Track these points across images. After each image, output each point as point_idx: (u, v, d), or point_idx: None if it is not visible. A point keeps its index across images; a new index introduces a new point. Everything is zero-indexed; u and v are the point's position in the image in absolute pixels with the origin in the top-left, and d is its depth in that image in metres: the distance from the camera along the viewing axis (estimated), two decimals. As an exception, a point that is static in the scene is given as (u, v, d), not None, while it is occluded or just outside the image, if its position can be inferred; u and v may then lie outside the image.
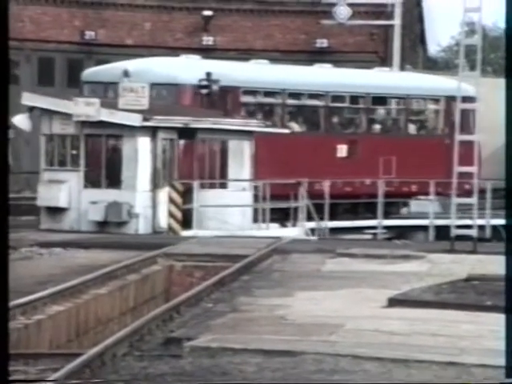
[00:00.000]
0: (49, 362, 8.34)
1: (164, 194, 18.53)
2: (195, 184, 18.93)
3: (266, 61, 23.34)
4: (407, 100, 23.92)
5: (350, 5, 28.24)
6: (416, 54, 35.05)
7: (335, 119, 23.08)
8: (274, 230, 19.92)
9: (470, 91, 24.49)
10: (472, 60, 18.74)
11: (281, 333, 9.26)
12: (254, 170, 19.85)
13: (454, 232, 16.65)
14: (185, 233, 18.48)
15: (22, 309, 10.19)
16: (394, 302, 10.85)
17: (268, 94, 21.94)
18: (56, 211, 18.67)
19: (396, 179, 22.34)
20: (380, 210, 21.45)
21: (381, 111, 23.71)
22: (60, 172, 18.78)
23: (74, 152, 18.72)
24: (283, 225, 20.33)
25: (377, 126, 23.67)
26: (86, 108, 18.39)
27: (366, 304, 10.93)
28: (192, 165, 19.02)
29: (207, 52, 27.35)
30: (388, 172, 23.02)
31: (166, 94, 20.30)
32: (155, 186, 18.49)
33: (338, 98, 22.89)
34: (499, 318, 9.99)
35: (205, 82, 20.35)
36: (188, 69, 21.57)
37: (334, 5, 28.33)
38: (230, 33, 29.56)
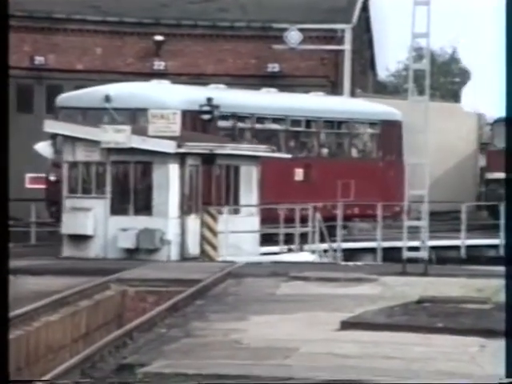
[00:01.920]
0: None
1: (192, 220, 18.49)
2: (225, 209, 18.91)
3: (223, 85, 23.46)
4: (350, 124, 24.32)
5: (301, 30, 28.50)
6: (366, 79, 35.45)
7: (292, 143, 23.31)
8: (290, 254, 19.89)
9: (398, 115, 25.09)
10: (421, 84, 19.01)
11: (235, 357, 9.23)
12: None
13: (406, 254, 16.78)
14: (220, 258, 18.37)
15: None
16: (346, 325, 10.88)
17: (240, 118, 21.99)
18: (80, 239, 18.38)
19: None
20: (339, 232, 21.60)
21: (329, 135, 24.04)
22: (84, 199, 18.50)
23: (99, 179, 18.43)
24: (291, 249, 20.43)
25: (325, 150, 23.96)
26: (115, 135, 18.19)
27: (319, 327, 10.95)
28: (210, 190, 18.96)
29: (159, 77, 27.35)
30: (346, 195, 23.36)
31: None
32: (184, 212, 18.38)
33: (295, 122, 23.18)
34: (451, 340, 10.07)
35: (206, 108, 20.27)
36: (173, 93, 21.48)
37: (285, 30, 28.57)
38: (182, 57, 29.61)
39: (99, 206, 18.47)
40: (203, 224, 18.67)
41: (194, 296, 13.35)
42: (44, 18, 29.25)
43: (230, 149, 19.37)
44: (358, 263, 19.37)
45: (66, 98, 22.09)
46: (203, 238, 18.66)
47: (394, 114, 25.32)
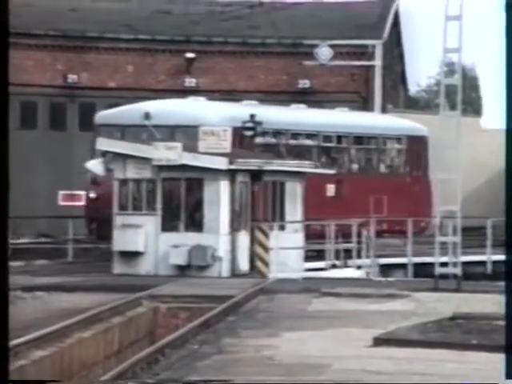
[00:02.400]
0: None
1: (242, 236, 18.56)
2: (275, 225, 18.98)
3: (255, 101, 23.56)
4: (378, 140, 24.32)
5: (332, 46, 28.53)
6: (397, 94, 35.38)
7: (324, 159, 23.36)
8: (338, 270, 19.89)
9: (424, 131, 25.08)
10: (452, 100, 18.94)
11: (268, 373, 9.21)
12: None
13: (438, 270, 16.67)
14: (272, 275, 18.40)
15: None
16: (379, 342, 10.83)
17: (275, 134, 22.00)
18: (131, 256, 18.42)
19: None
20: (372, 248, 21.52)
21: (359, 151, 24.06)
22: (135, 216, 18.55)
23: (149, 196, 18.43)
24: (335, 265, 20.42)
25: (355, 166, 23.99)
26: (166, 152, 18.25)
27: (352, 344, 10.90)
28: (258, 207, 19.02)
29: (190, 94, 27.51)
30: (379, 211, 23.39)
31: (189, 136, 19.88)
32: (234, 228, 18.45)
33: (327, 138, 23.21)
34: (485, 357, 9.98)
35: (250, 124, 20.33)
36: (212, 110, 21.60)
37: (315, 46, 28.62)
38: (213, 74, 29.76)
39: (150, 223, 18.48)
40: (255, 240, 18.68)
41: (226, 312, 13.35)
42: (77, 36, 29.57)
43: (277, 165, 19.42)
44: (390, 279, 19.27)
45: (104, 115, 22.18)
46: (255, 255, 18.65)
47: (420, 129, 25.36)
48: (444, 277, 16.63)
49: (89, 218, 21.40)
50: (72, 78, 29.42)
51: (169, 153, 18.32)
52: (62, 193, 27.83)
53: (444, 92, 17.62)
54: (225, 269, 18.32)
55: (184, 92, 28.07)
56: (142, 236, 18.42)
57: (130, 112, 21.41)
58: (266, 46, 29.72)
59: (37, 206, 27.68)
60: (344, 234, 20.86)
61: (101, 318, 12.90)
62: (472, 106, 49.64)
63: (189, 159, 18.39)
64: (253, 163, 19.03)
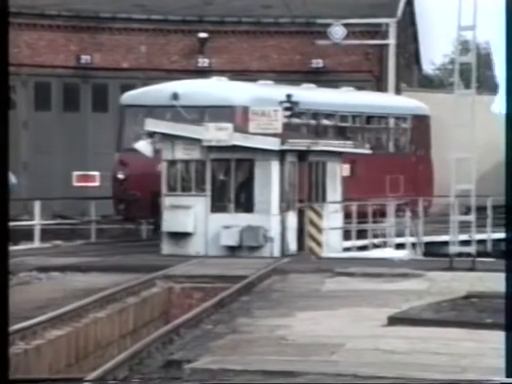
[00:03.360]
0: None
1: (290, 217, 18.51)
2: (324, 206, 18.90)
3: (270, 81, 23.44)
4: (387, 119, 24.29)
5: (345, 25, 28.37)
6: (411, 73, 35.17)
7: (341, 139, 23.34)
8: (380, 251, 19.88)
9: (426, 110, 25.01)
10: (467, 78, 18.83)
11: (281, 353, 9.24)
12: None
13: (454, 249, 16.63)
14: (325, 255, 18.39)
15: (21, 334, 10.16)
16: (393, 321, 10.83)
17: (305, 114, 21.92)
18: (180, 237, 18.40)
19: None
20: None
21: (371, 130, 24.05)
22: (184, 197, 18.48)
23: (198, 177, 18.38)
24: (376, 245, 20.34)
25: (367, 145, 24.00)
26: (217, 133, 18.18)
27: (365, 323, 10.91)
28: (303, 187, 18.98)
29: (203, 74, 27.45)
30: (396, 190, 23.43)
31: (219, 116, 19.70)
32: (283, 209, 18.40)
33: (343, 117, 23.16)
34: (499, 336, 9.97)
35: (287, 105, 20.20)
36: (240, 91, 21.43)
37: (329, 25, 28.46)
38: (226, 54, 29.67)
39: (199, 204, 18.37)
40: (307, 220, 18.61)
41: (240, 292, 13.39)
42: (90, 17, 29.51)
43: (322, 145, 19.33)
44: (405, 258, 19.26)
45: (131, 96, 21.84)
46: (308, 235, 18.62)
47: (423, 108, 25.36)
48: (460, 255, 16.61)
49: (116, 198, 21.17)
50: (85, 58, 29.39)
51: (219, 133, 18.16)
52: (76, 174, 27.91)
53: (458, 70, 17.50)
54: (276, 249, 18.26)
55: (197, 72, 28.01)
56: (191, 217, 18.30)
57: (157, 92, 21.10)
58: (279, 26, 29.58)
59: (52, 187, 27.77)
60: (378, 213, 20.77)
61: (115, 298, 12.95)
62: (487, 83, 49.32)
63: (240, 140, 18.24)
64: (302, 143, 18.91)
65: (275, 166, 18.36)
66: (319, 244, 18.72)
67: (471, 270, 16.05)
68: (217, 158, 18.49)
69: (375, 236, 20.67)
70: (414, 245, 20.96)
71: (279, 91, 21.75)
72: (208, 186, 18.48)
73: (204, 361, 8.84)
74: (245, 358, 9.00)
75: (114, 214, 22.00)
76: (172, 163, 18.69)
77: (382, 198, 22.04)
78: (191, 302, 14.33)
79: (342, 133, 23.18)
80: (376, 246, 20.46)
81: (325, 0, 29.85)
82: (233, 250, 18.22)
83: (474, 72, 16.94)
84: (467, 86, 18.26)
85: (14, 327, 10.08)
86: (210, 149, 18.40)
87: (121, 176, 21.04)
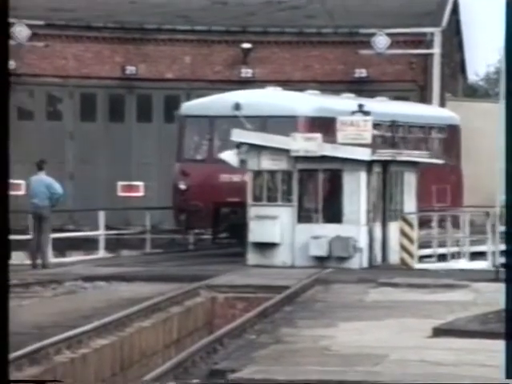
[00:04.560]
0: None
1: (377, 227, 18.56)
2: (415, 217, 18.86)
3: (317, 91, 23.45)
4: (426, 129, 24.17)
5: (389, 34, 28.27)
6: (456, 83, 34.91)
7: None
8: (454, 261, 19.80)
9: (458, 120, 24.84)
10: (512, 87, 18.59)
11: (325, 364, 9.21)
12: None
13: (499, 260, 16.44)
14: (417, 266, 18.37)
15: (68, 343, 10.26)
16: (439, 332, 10.73)
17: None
18: (266, 247, 18.40)
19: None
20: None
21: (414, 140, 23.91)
22: (270, 207, 18.46)
23: (285, 187, 18.38)
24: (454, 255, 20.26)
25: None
26: (305, 143, 18.21)
27: (410, 334, 10.84)
28: (385, 197, 18.94)
29: (246, 84, 27.55)
30: (443, 200, 23.30)
31: (282, 127, 19.63)
32: (371, 219, 18.43)
33: (388, 127, 23.05)
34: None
35: (359, 114, 19.89)
36: (302, 101, 21.45)
37: (372, 35, 28.38)
38: (269, 64, 29.73)
39: (285, 214, 18.37)
40: (400, 232, 18.55)
41: (283, 302, 13.37)
42: (135, 28, 29.79)
43: (405, 155, 19.30)
44: (449, 268, 19.11)
45: (191, 106, 21.79)
46: (401, 246, 18.53)
47: (456, 118, 25.27)
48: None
49: (178, 209, 21.11)
50: (130, 69, 29.67)
51: (308, 144, 18.15)
52: (120, 183, 28.12)
53: (504, 79, 17.33)
54: (364, 260, 18.20)
55: (240, 82, 28.10)
56: (277, 227, 18.27)
57: (218, 103, 21.05)
58: (322, 36, 29.57)
59: (97, 196, 28.04)
60: (427, 222, 20.69)
61: (160, 307, 13.02)
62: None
63: (329, 150, 18.22)
64: (387, 154, 18.89)
65: (363, 177, 18.32)
66: (411, 255, 18.52)
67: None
68: (304, 169, 18.46)
69: (441, 246, 20.33)
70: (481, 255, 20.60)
71: (340, 102, 21.76)
72: (295, 197, 18.41)
73: (248, 371, 8.84)
74: (288, 368, 8.99)
75: (175, 224, 21.69)
76: (258, 173, 18.64)
77: (429, 208, 21.90)
78: (234, 311, 14.35)
79: (399, 143, 23.05)
80: (453, 256, 20.17)
81: (368, 9, 29.78)
82: (321, 261, 18.12)
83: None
84: (513, 95, 18.03)
85: (60, 336, 10.17)
86: (297, 159, 18.36)
87: (182, 186, 20.89)
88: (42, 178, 18.64)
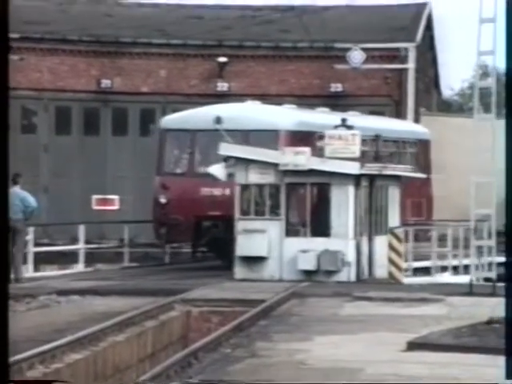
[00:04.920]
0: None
1: (364, 241, 18.52)
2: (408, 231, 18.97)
3: (294, 106, 23.49)
4: (399, 143, 24.37)
5: (364, 49, 28.44)
6: (430, 97, 35.16)
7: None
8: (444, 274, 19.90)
9: (428, 135, 25.15)
10: (486, 103, 18.78)
11: (301, 378, 9.19)
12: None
13: (473, 274, 16.50)
14: (406, 280, 18.37)
15: (41, 357, 10.17)
16: (413, 346, 10.75)
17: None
18: (254, 261, 18.28)
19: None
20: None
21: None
22: (257, 221, 18.36)
23: (273, 201, 18.29)
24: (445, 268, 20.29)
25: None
26: (294, 157, 18.15)
27: (384, 348, 10.84)
28: (371, 211, 18.90)
29: (222, 98, 27.57)
30: (418, 214, 23.42)
31: (263, 140, 19.59)
32: (359, 233, 18.37)
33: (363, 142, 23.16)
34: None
35: (342, 128, 20.07)
36: (283, 115, 21.43)
37: (347, 49, 28.54)
38: (245, 78, 29.79)
39: (273, 228, 18.30)
40: (389, 245, 18.55)
41: (258, 316, 13.34)
42: (110, 42, 29.75)
43: (391, 169, 19.34)
44: (422, 283, 19.17)
45: (172, 120, 21.64)
46: (389, 260, 18.53)
47: (426, 133, 25.47)
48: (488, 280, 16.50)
49: (158, 222, 20.97)
50: (105, 82, 29.61)
51: (297, 158, 18.12)
52: (95, 197, 27.97)
53: (478, 95, 17.47)
54: (352, 274, 18.19)
55: (216, 96, 28.12)
56: (265, 241, 18.23)
57: (199, 116, 20.94)
58: (298, 50, 29.69)
59: (71, 210, 27.90)
60: (422, 236, 20.73)
61: (134, 321, 12.94)
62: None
63: (318, 164, 18.22)
64: (375, 168, 18.92)
65: (351, 190, 18.32)
66: (399, 269, 18.57)
67: (492, 295, 15.93)
68: (292, 182, 18.41)
69: (423, 259, 20.30)
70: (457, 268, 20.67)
71: (319, 116, 21.79)
72: (283, 210, 18.36)
73: (222, 385, 8.78)
74: (264, 382, 8.94)
75: (155, 237, 21.50)
76: (245, 187, 18.55)
77: (404, 222, 21.97)
78: (209, 325, 14.29)
79: (382, 157, 23.15)
80: (443, 269, 20.16)
81: (343, 24, 29.95)
82: (309, 274, 18.09)
83: (494, 96, 16.90)
84: (487, 110, 18.23)
85: (33, 351, 10.08)
86: (285, 173, 18.33)
87: (162, 200, 20.78)
88: (17, 191, 18.52)
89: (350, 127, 20.24)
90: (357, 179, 18.45)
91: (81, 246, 21.97)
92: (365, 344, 11.11)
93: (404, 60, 29.22)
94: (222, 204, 19.65)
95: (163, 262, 23.04)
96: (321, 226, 18.28)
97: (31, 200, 18.63)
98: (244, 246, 18.33)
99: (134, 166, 28.89)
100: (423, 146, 25.07)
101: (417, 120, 29.15)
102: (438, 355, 10.35)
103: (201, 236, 20.35)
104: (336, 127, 20.20)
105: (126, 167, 29.15)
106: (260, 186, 18.55)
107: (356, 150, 18.62)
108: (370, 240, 18.80)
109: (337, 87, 29.41)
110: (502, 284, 16.06)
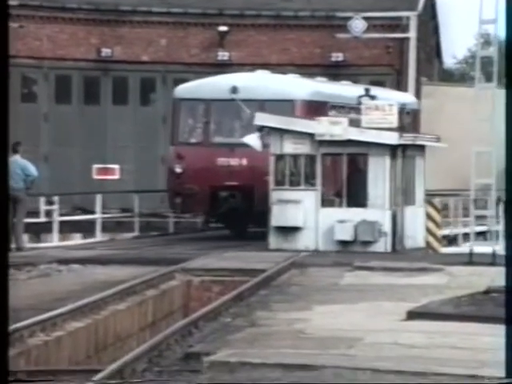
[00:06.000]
0: (68, 378, 8.36)
1: (400, 212, 18.45)
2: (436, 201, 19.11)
3: (297, 75, 23.34)
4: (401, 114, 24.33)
5: (366, 18, 28.27)
6: (432, 67, 35.00)
7: None
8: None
9: (418, 104, 25.07)
10: (488, 72, 18.70)
11: (300, 347, 9.25)
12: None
13: (473, 244, 16.55)
14: (444, 250, 18.44)
15: (42, 325, 10.23)
16: (413, 315, 10.81)
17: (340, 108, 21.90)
18: (289, 231, 18.27)
19: None
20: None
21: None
22: (292, 191, 18.31)
23: (308, 171, 18.22)
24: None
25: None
26: (330, 127, 18.05)
27: (384, 317, 10.90)
28: (402, 183, 18.84)
29: (223, 67, 27.45)
30: None
31: (279, 110, 19.35)
32: (394, 204, 18.35)
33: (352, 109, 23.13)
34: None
35: (365, 98, 19.75)
36: (299, 85, 21.33)
37: (349, 18, 28.38)
38: (246, 47, 29.64)
39: (308, 198, 18.25)
40: (427, 215, 18.53)
41: (259, 286, 13.40)
42: (110, 10, 29.57)
43: (420, 139, 19.24)
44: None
45: (186, 89, 21.38)
46: (427, 230, 18.51)
47: (415, 102, 25.39)
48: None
49: (173, 192, 20.82)
50: (105, 51, 29.46)
51: (333, 128, 17.98)
52: (95, 166, 27.96)
53: (479, 64, 17.39)
54: (388, 244, 18.17)
55: (217, 65, 28.00)
56: (300, 211, 18.16)
57: (215, 86, 20.75)
58: (299, 19, 29.51)
59: (72, 179, 27.90)
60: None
61: (135, 290, 13.00)
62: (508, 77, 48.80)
63: (355, 134, 18.08)
64: (409, 137, 18.81)
65: (388, 161, 18.26)
66: (438, 239, 18.59)
67: (491, 264, 15.98)
68: (328, 153, 18.32)
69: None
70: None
71: (331, 87, 21.75)
72: (318, 181, 18.32)
73: (222, 354, 8.86)
74: (263, 351, 9.02)
75: (170, 207, 21.40)
76: (280, 157, 18.45)
77: None
78: (210, 295, 14.36)
79: (403, 128, 23.01)
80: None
81: (345, -7, 29.75)
82: (346, 245, 18.10)
83: (495, 66, 16.83)
84: (488, 79, 18.16)
85: (34, 318, 10.14)
86: (321, 143, 18.22)
87: (178, 169, 20.62)
88: (17, 160, 18.50)
89: (373, 97, 20.14)
90: (393, 150, 18.32)
91: (98, 216, 22.00)
92: (364, 313, 11.17)
93: (405, 29, 29.06)
94: (240, 174, 19.51)
95: (172, 232, 23.11)
96: (357, 197, 18.21)
97: (32, 169, 18.62)
98: (279, 216, 18.20)
99: (134, 135, 28.84)
100: (413, 115, 25.02)
101: (418, 90, 29.06)
102: (438, 324, 10.41)
103: (217, 206, 20.20)
104: (360, 97, 20.08)
105: (126, 136, 29.10)
106: (295, 156, 18.44)
107: (394, 120, 18.40)
108: (403, 210, 18.75)
109: (338, 56, 29.27)
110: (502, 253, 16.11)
